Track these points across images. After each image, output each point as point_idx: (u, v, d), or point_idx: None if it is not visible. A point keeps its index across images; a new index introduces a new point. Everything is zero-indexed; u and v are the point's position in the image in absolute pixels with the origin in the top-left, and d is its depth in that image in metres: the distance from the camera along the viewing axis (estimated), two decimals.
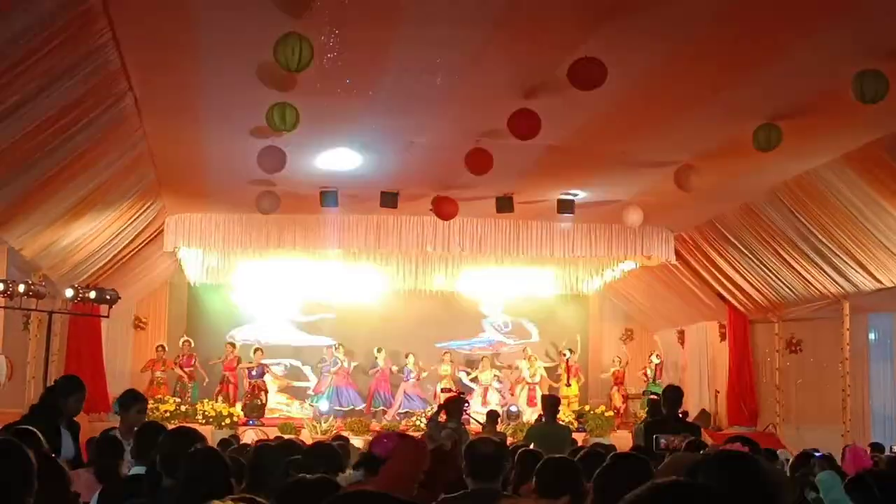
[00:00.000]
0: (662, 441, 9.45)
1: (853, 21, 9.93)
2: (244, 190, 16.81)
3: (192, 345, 24.32)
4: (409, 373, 24.61)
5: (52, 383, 9.12)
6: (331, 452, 7.56)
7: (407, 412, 23.99)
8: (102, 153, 13.84)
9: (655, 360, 25.27)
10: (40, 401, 8.74)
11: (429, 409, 21.73)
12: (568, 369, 24.81)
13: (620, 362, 25.56)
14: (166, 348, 24.27)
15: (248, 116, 12.94)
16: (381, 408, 24.31)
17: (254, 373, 23.53)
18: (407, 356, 24.74)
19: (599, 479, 4.86)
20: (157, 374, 23.87)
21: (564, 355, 24.95)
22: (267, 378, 23.86)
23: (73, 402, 8.54)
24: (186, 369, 23.97)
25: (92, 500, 6.20)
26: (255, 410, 22.73)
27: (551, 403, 14.42)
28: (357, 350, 25.04)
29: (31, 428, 6.25)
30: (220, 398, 23.39)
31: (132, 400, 8.64)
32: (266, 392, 23.53)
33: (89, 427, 14.83)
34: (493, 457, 6.20)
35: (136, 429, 7.19)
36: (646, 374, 25.27)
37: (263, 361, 23.98)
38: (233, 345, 24.41)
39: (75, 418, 8.67)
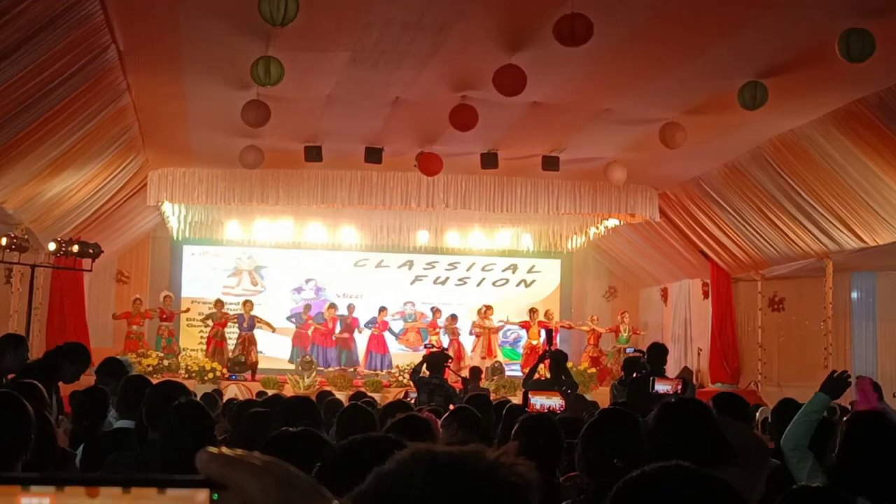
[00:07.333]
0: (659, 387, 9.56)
1: None
2: (228, 144, 16.72)
3: (174, 300, 24.19)
4: (371, 322, 24.44)
5: (62, 345, 8.87)
6: (310, 406, 7.56)
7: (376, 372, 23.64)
8: (85, 106, 13.73)
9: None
10: (43, 358, 8.63)
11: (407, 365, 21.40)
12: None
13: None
14: (143, 301, 24.11)
15: (233, 70, 12.87)
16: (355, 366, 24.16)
17: (244, 325, 23.44)
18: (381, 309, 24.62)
19: (587, 435, 4.85)
20: (134, 327, 23.47)
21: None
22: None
23: (73, 370, 8.43)
24: (168, 324, 23.82)
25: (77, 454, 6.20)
26: (240, 366, 22.62)
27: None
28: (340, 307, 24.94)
29: (34, 382, 6.21)
30: (209, 354, 22.96)
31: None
32: (255, 345, 23.39)
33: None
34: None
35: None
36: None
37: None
38: (222, 302, 24.20)
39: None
